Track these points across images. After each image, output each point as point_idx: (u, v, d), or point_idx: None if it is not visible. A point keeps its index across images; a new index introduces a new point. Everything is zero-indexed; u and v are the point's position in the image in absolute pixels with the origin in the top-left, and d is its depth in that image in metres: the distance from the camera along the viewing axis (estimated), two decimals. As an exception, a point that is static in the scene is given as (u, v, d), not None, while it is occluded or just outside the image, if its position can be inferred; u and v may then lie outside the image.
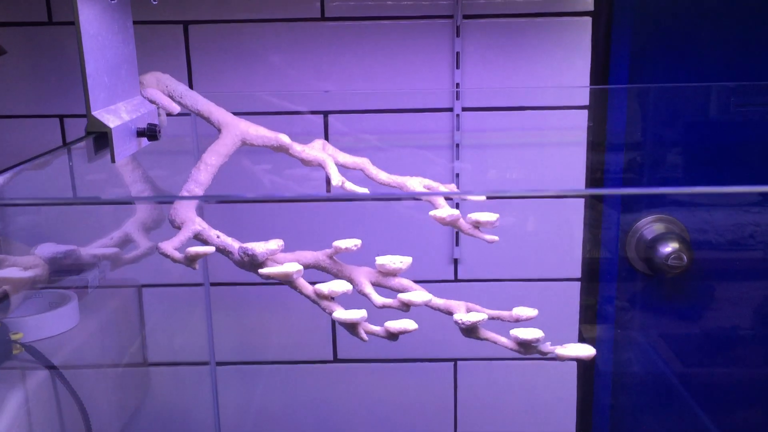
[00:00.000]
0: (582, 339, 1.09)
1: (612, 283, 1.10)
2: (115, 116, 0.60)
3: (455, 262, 1.07)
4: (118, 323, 1.01)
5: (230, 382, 1.11)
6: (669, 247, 1.07)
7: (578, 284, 1.07)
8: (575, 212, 1.06)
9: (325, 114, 1.03)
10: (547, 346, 0.70)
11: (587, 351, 0.69)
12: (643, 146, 1.06)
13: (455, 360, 1.11)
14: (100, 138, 0.57)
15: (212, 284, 1.08)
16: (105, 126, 0.58)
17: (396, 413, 1.13)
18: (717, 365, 1.12)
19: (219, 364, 1.10)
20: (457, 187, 1.03)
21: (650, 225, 1.11)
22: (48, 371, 0.81)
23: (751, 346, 1.10)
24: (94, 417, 0.87)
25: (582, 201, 1.05)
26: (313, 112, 1.03)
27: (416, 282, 1.07)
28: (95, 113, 0.57)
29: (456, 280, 1.08)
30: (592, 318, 1.10)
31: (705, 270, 1.10)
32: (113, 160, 0.59)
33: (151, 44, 0.99)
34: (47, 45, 1.00)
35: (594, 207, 1.07)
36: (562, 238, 1.07)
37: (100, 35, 0.59)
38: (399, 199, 1.04)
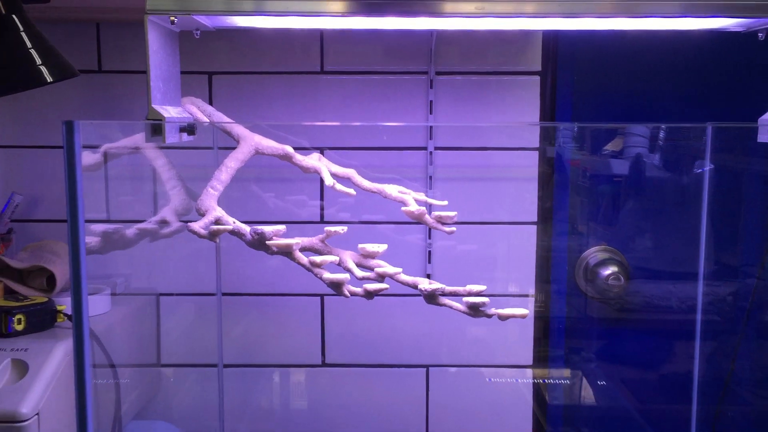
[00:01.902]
0: (536, 349, 1.26)
1: (562, 299, 1.28)
2: (165, 112, 0.81)
3: (428, 276, 1.26)
4: (141, 319, 1.19)
5: (231, 382, 1.27)
6: (609, 270, 1.27)
7: (532, 299, 1.26)
8: (529, 238, 1.25)
9: (321, 150, 1.24)
10: (491, 310, 0.89)
11: (521, 311, 0.87)
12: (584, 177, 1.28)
13: (427, 366, 1.28)
14: (157, 126, 0.78)
15: (208, 294, 1.26)
16: (160, 115, 0.78)
17: (375, 412, 1.28)
18: (653, 370, 1.29)
19: (226, 366, 1.27)
20: (429, 215, 1.23)
21: (595, 254, 1.31)
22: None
23: (681, 353, 1.27)
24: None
25: (534, 227, 1.25)
26: (311, 148, 1.24)
27: (394, 295, 1.26)
28: (155, 106, 0.78)
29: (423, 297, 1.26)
30: (545, 329, 1.28)
31: (640, 290, 1.29)
32: (164, 141, 0.79)
33: (184, 89, 1.22)
34: (94, 87, 1.21)
35: (545, 234, 1.26)
36: (519, 261, 1.26)
37: (159, 52, 0.80)
38: (379, 223, 1.24)
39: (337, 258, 0.90)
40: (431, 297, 0.90)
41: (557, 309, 1.29)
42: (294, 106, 1.23)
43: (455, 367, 1.28)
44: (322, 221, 1.25)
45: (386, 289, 0.88)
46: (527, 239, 1.25)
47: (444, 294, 0.91)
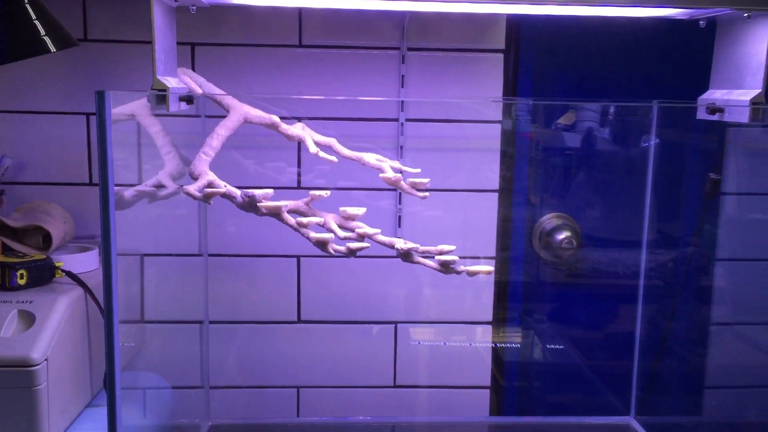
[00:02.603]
0: (495, 308, 1.37)
1: (519, 263, 1.39)
2: (168, 83, 0.88)
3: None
4: (127, 278, 1.26)
5: (214, 337, 1.36)
6: (563, 235, 1.38)
7: (493, 261, 1.37)
8: (491, 205, 1.35)
9: (300, 119, 1.32)
10: (460, 267, 0.99)
11: (487, 268, 0.98)
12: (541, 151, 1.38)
13: (395, 323, 1.38)
14: (161, 95, 0.85)
15: (193, 255, 1.34)
16: (164, 86, 0.85)
17: (347, 365, 1.38)
18: (600, 330, 1.42)
19: (211, 322, 1.35)
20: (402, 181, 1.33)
21: (550, 220, 1.42)
22: (81, 289, 1.06)
23: (625, 314, 1.40)
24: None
25: (496, 195, 1.35)
26: (291, 117, 1.32)
27: (374, 257, 1.35)
28: (159, 77, 0.85)
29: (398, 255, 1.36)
30: (504, 290, 1.39)
31: (590, 256, 1.41)
32: (168, 110, 0.87)
33: (166, 59, 1.28)
34: (81, 56, 1.27)
35: (505, 202, 1.37)
36: (481, 226, 1.36)
37: (162, 27, 0.87)
38: (354, 189, 1.33)
39: (321, 219, 0.98)
40: (407, 255, 1.00)
41: (515, 272, 1.40)
42: (273, 77, 1.30)
43: (421, 323, 1.38)
44: (299, 187, 1.34)
45: (367, 247, 0.97)
46: (489, 206, 1.35)
47: (418, 252, 1.00)
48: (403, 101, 1.32)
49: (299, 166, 1.33)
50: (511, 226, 1.39)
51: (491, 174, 1.34)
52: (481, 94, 1.32)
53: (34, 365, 0.90)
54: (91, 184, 1.32)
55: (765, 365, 1.05)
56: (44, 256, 1.07)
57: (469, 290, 1.39)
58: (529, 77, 1.32)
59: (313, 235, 0.96)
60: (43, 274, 1.05)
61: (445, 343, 1.39)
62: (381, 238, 1.02)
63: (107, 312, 0.87)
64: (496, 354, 1.39)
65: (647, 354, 1.36)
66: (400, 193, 1.29)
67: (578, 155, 1.37)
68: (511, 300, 1.41)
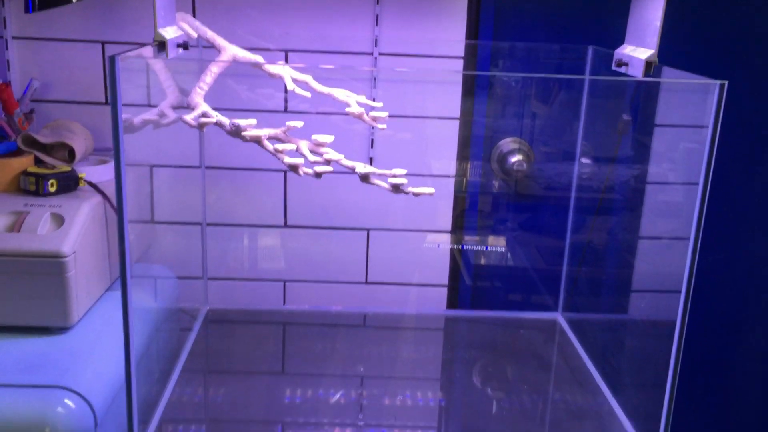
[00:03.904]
0: (453, 215, 1.60)
1: (477, 179, 1.61)
2: (167, 33, 1.08)
3: (371, 160, 1.57)
4: (138, 186, 1.49)
5: (213, 238, 1.60)
6: (516, 158, 1.59)
7: (452, 180, 1.58)
8: (452, 130, 1.56)
9: (286, 51, 1.52)
10: (407, 188, 1.20)
11: (429, 189, 1.19)
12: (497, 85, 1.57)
13: (368, 229, 1.61)
14: (162, 45, 1.05)
15: (193, 167, 1.56)
16: (164, 37, 1.05)
17: (326, 264, 1.63)
18: (540, 236, 1.65)
19: (208, 224, 1.59)
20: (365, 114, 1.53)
21: (507, 143, 1.63)
22: (100, 196, 1.29)
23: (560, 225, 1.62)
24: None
25: (457, 122, 1.55)
26: (276, 49, 1.52)
27: (339, 172, 1.56)
28: (159, 30, 1.05)
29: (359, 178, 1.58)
30: (462, 203, 1.61)
31: (542, 175, 1.62)
32: (167, 57, 1.07)
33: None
34: (97, -8, 1.46)
35: (466, 127, 1.57)
36: (443, 148, 1.57)
37: (162, -12, 1.06)
38: (333, 114, 1.53)
39: (294, 146, 1.20)
40: (365, 178, 1.21)
41: (473, 187, 1.61)
42: (262, 12, 1.48)
43: (390, 230, 1.61)
44: (286, 111, 1.54)
45: (331, 171, 1.19)
46: (451, 132, 1.55)
47: (375, 176, 1.22)
48: (377, 38, 1.50)
49: (286, 92, 1.52)
50: (470, 149, 1.60)
51: (454, 104, 1.54)
52: (447, 33, 1.50)
53: (65, 257, 1.14)
54: (106, 103, 1.53)
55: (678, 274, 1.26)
56: (69, 168, 1.30)
57: (432, 203, 1.61)
58: (491, 16, 1.50)
59: (286, 159, 1.18)
60: (69, 183, 1.28)
61: (411, 247, 1.62)
62: (345, 162, 1.23)
63: (119, 215, 1.10)
64: (453, 257, 1.63)
65: (573, 259, 1.57)
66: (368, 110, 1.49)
67: (531, 89, 1.56)
68: (468, 210, 1.63)
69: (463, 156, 1.58)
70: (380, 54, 1.51)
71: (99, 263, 1.25)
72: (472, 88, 1.55)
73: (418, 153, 1.57)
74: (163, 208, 1.56)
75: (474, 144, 1.59)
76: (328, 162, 1.22)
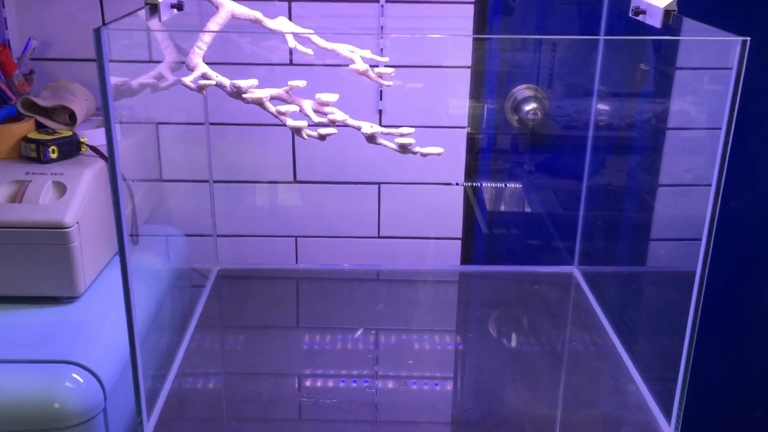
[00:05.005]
0: (466, 165, 1.56)
1: (490, 126, 1.56)
2: (159, -5, 1.03)
3: (380, 112, 1.52)
4: (144, 145, 1.46)
5: (221, 195, 1.58)
6: (530, 105, 1.54)
7: (464, 131, 1.54)
8: (464, 78, 1.50)
9: (289, 1, 1.46)
10: (415, 148, 1.16)
11: (437, 149, 1.15)
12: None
13: (379, 183, 1.58)
14: (154, 7, 1.01)
15: (198, 123, 1.53)
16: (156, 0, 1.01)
17: (336, 219, 1.60)
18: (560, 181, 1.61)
19: (216, 182, 1.56)
20: (381, 55, 1.48)
21: (522, 91, 1.57)
22: (102, 161, 1.26)
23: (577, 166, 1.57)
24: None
25: (468, 71, 1.49)
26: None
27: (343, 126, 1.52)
28: (150, -8, 1.01)
29: (381, 125, 1.53)
30: (475, 157, 1.57)
31: (557, 124, 1.57)
32: (160, 20, 1.02)
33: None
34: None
35: (477, 76, 1.51)
36: (454, 98, 1.52)
37: (151, -53, 1.01)
38: (340, 66, 1.48)
39: (297, 108, 1.16)
40: (371, 138, 1.17)
41: (486, 136, 1.56)
42: (265, -37, 1.43)
43: (401, 184, 1.58)
44: (291, 64, 1.49)
45: (335, 133, 1.15)
46: (462, 81, 1.50)
47: (382, 134, 1.18)
48: (384, -16, 1.44)
49: (291, 44, 1.47)
50: (482, 96, 1.54)
51: (464, 52, 1.48)
52: (455, -22, 1.43)
53: (68, 227, 1.13)
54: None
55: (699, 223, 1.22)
56: (71, 133, 1.27)
57: (445, 155, 1.57)
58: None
59: (289, 122, 1.14)
60: (71, 149, 1.25)
61: (423, 199, 1.59)
62: (351, 122, 1.19)
63: (111, 178, 1.06)
64: (466, 209, 1.59)
65: (592, 207, 1.53)
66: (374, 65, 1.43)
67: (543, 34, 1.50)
68: (482, 160, 1.58)
69: (475, 105, 1.53)
70: (387, 1, 1.45)
71: (104, 229, 1.24)
72: (483, 30, 1.49)
73: (428, 103, 1.52)
74: (171, 166, 1.54)
75: (487, 92, 1.54)
76: (333, 122, 1.17)
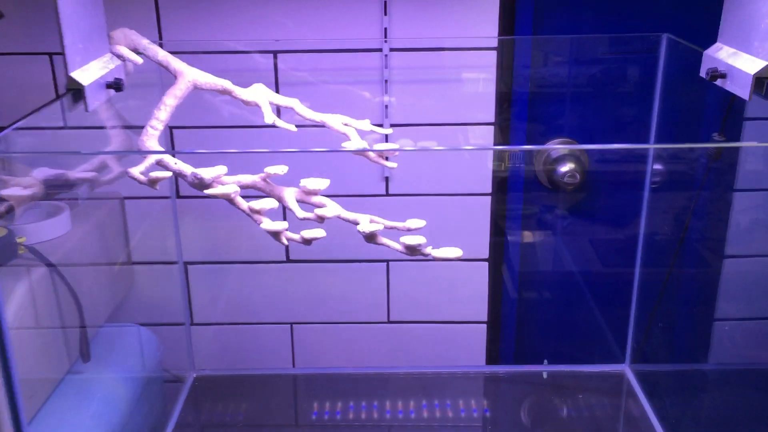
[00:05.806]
0: (491, 241, 1.30)
1: (519, 195, 1.30)
2: (88, 74, 0.79)
3: (386, 179, 1.27)
4: (104, 229, 1.23)
5: (199, 279, 1.34)
6: (566, 167, 1.28)
7: (489, 198, 1.28)
8: (486, 136, 1.25)
9: (275, 53, 1.21)
10: (425, 249, 0.92)
11: (456, 252, 0.90)
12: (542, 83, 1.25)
13: (387, 261, 1.33)
14: (77, 93, 0.77)
15: (180, 197, 1.29)
16: (80, 84, 0.77)
17: (339, 305, 1.36)
18: (606, 264, 1.35)
19: (187, 263, 1.32)
20: (386, 117, 1.23)
21: (555, 147, 1.31)
22: (47, 267, 1.03)
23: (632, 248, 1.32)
24: (85, 305, 1.09)
25: (492, 128, 1.24)
26: (264, 51, 1.22)
27: (352, 197, 1.29)
28: (72, 74, 0.76)
29: (387, 194, 1.29)
30: (502, 224, 1.31)
31: (598, 186, 1.31)
32: (86, 110, 0.78)
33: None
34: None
35: (503, 133, 1.26)
36: (475, 159, 1.27)
37: (75, 13, 0.77)
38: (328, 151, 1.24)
39: (276, 204, 0.91)
40: (370, 237, 0.93)
41: (513, 209, 1.31)
42: (248, 6, 1.18)
43: (413, 262, 1.33)
44: (271, 127, 1.25)
45: (323, 236, 0.90)
46: (484, 139, 1.25)
47: (386, 227, 0.93)
48: (386, 27, 1.19)
49: (277, 89, 1.23)
50: (510, 156, 1.29)
51: (487, 105, 1.23)
52: (473, 22, 1.18)
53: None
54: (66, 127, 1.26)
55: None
56: (5, 232, 1.03)
57: (465, 228, 1.32)
58: (530, 4, 1.17)
59: (263, 225, 0.90)
60: (5, 253, 1.02)
61: (440, 280, 1.34)
62: (345, 215, 0.95)
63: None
64: (492, 292, 1.34)
65: (646, 301, 1.28)
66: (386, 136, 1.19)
67: (584, 86, 1.24)
68: (509, 237, 1.33)
69: (498, 168, 1.28)
70: (391, 50, 1.20)
71: (49, 349, 1.00)
72: (509, 82, 1.24)
73: (444, 165, 1.27)
74: (139, 248, 1.31)
75: (514, 153, 1.29)
76: (321, 219, 0.93)
